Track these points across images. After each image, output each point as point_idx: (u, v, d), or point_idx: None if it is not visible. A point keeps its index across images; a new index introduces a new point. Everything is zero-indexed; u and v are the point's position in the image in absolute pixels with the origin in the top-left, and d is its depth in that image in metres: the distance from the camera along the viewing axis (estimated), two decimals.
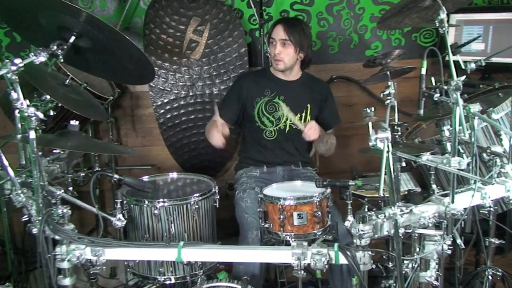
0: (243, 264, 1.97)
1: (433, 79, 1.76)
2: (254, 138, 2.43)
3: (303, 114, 2.39)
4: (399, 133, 1.78)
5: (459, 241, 1.77)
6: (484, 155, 1.75)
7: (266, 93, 2.38)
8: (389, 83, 1.64)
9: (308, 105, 2.39)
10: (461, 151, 1.66)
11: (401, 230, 1.38)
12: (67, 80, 1.87)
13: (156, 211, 1.83)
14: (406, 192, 2.09)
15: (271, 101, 2.37)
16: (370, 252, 1.38)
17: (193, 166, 3.03)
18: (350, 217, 1.52)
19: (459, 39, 2.91)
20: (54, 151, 1.90)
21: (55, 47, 1.43)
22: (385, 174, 1.31)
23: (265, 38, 2.75)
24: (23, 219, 1.51)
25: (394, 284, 1.63)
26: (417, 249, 1.53)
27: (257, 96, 2.38)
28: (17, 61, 1.33)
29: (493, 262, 2.08)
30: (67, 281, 1.46)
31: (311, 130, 2.23)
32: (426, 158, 1.59)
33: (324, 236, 1.82)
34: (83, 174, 2.47)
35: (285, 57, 2.30)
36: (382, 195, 1.54)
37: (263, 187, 1.99)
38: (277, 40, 2.28)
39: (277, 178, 2.36)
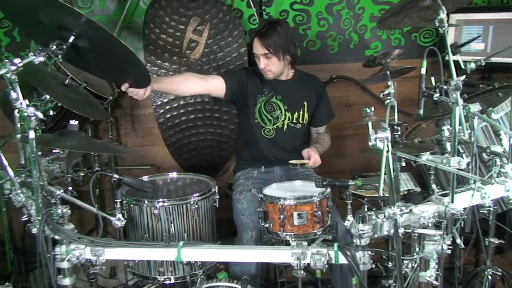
0: (239, 265, 1.97)
1: (433, 79, 1.76)
2: (252, 136, 2.42)
3: (300, 112, 2.39)
4: (399, 133, 1.78)
5: (458, 241, 1.77)
6: (484, 155, 1.75)
7: (264, 92, 2.39)
8: (389, 83, 1.64)
9: (305, 103, 2.40)
10: (461, 151, 1.66)
11: (401, 230, 1.38)
12: (67, 80, 1.87)
13: (155, 211, 1.83)
14: (406, 192, 2.09)
15: (269, 101, 2.38)
16: (370, 252, 1.38)
17: (192, 166, 3.03)
18: (350, 217, 1.52)
19: (458, 39, 2.91)
20: (54, 151, 1.91)
21: (54, 47, 1.43)
22: (385, 174, 1.31)
23: None
24: (23, 219, 1.51)
25: (394, 284, 1.63)
26: (417, 249, 1.53)
27: (258, 93, 2.38)
28: (17, 61, 1.33)
29: (493, 262, 2.08)
30: (66, 281, 1.46)
31: (315, 160, 2.24)
32: (426, 158, 1.58)
33: (324, 236, 1.82)
34: (83, 174, 2.47)
35: (272, 67, 2.30)
36: (382, 195, 1.54)
37: (260, 187, 1.99)
38: (259, 54, 2.28)
39: (275, 177, 2.37)
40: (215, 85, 2.32)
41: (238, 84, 2.36)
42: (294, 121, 2.39)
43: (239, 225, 2.07)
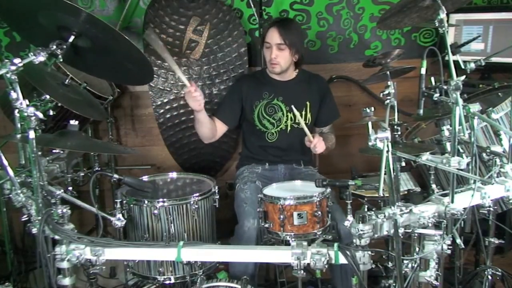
0: (236, 264, 1.97)
1: (432, 79, 1.76)
2: (256, 141, 2.44)
3: (303, 112, 2.39)
4: (399, 133, 1.78)
5: (458, 240, 1.77)
6: (484, 155, 1.75)
7: (264, 95, 2.39)
8: (389, 83, 1.64)
9: (307, 103, 2.40)
10: (461, 151, 1.66)
11: (401, 230, 1.38)
12: (67, 80, 1.87)
13: (155, 211, 1.83)
14: (406, 192, 2.09)
15: (270, 103, 2.38)
16: (370, 252, 1.38)
17: (193, 166, 3.03)
18: (350, 217, 1.52)
19: (458, 39, 2.91)
20: (54, 151, 1.91)
21: (54, 47, 1.43)
22: (385, 174, 1.31)
23: None
24: (23, 219, 1.51)
25: (394, 284, 1.63)
26: (417, 249, 1.53)
27: (256, 99, 2.39)
28: (17, 61, 1.33)
29: (493, 262, 2.08)
30: (66, 281, 1.46)
31: (319, 144, 2.20)
32: (425, 158, 1.59)
33: (324, 236, 1.82)
34: (83, 174, 2.47)
35: (281, 60, 2.30)
36: (382, 195, 1.54)
37: (264, 183, 1.99)
38: (272, 44, 2.27)
39: (279, 175, 2.38)
40: (219, 128, 2.39)
41: (234, 111, 2.41)
42: (297, 121, 2.39)
43: (241, 214, 2.07)
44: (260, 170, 2.39)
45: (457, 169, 1.48)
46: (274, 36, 2.26)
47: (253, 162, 2.44)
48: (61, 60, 1.46)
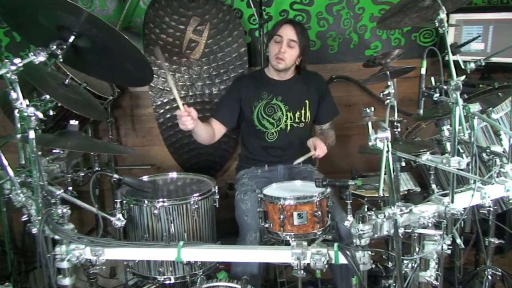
0: (241, 264, 1.97)
1: (432, 79, 1.76)
2: (256, 141, 2.43)
3: (302, 111, 2.39)
4: (399, 129, 1.78)
5: (458, 240, 1.77)
6: (484, 155, 1.75)
7: (263, 96, 2.39)
8: (389, 83, 1.64)
9: (306, 102, 2.40)
10: (461, 151, 1.66)
11: (401, 230, 1.38)
12: (67, 80, 1.86)
13: (155, 211, 1.83)
14: (405, 192, 2.09)
15: (269, 103, 2.38)
16: (369, 252, 1.38)
17: (192, 166, 3.03)
18: (350, 217, 1.52)
19: (458, 39, 2.91)
20: (54, 151, 1.91)
21: (54, 47, 1.43)
22: (385, 174, 1.31)
23: (265, 38, 2.74)
24: (23, 219, 1.51)
25: (394, 284, 1.63)
26: (417, 249, 1.53)
27: (255, 100, 2.38)
28: (17, 61, 1.33)
29: (493, 262, 2.08)
30: (66, 281, 1.46)
31: (321, 151, 2.22)
32: (425, 158, 1.59)
33: (324, 236, 1.82)
34: (83, 174, 2.47)
35: (288, 57, 2.30)
36: (382, 195, 1.54)
37: (264, 187, 1.99)
38: (284, 38, 2.28)
39: (278, 176, 2.37)
40: (218, 130, 2.37)
41: (233, 112, 2.39)
42: (297, 120, 2.39)
43: (243, 226, 2.07)
44: (259, 173, 2.39)
45: (457, 169, 1.48)
46: (288, 31, 2.28)
47: (253, 165, 2.43)
48: (61, 60, 1.46)
